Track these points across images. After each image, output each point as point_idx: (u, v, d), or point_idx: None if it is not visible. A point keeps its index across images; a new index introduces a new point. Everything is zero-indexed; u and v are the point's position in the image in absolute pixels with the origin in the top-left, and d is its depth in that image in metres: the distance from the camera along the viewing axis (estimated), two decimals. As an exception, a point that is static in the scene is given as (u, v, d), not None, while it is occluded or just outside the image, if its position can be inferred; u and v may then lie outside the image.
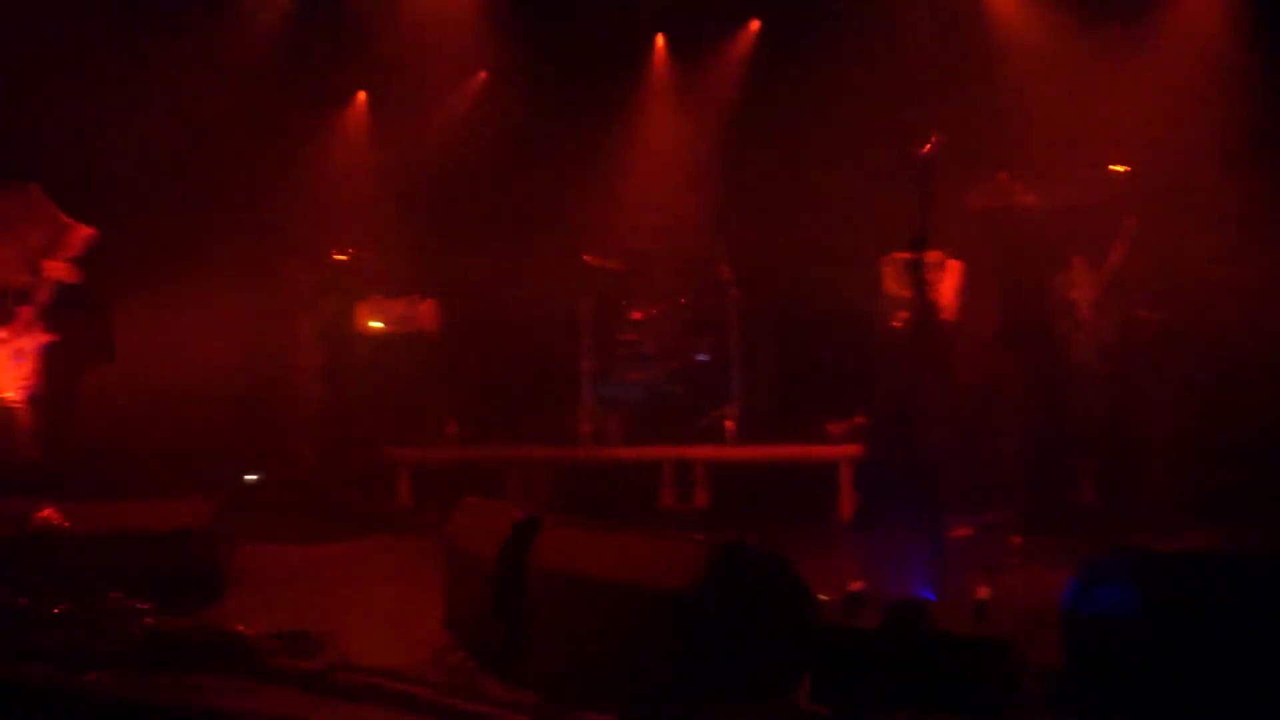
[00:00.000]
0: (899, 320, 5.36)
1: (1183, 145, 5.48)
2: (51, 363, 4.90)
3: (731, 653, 2.85)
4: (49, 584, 4.04)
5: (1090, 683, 2.51)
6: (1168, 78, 5.83)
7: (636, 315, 6.69)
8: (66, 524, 4.37)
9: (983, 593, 3.00)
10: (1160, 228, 5.44)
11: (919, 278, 3.64)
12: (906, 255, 3.68)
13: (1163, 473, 5.26)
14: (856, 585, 3.10)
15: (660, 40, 7.51)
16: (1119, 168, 5.75)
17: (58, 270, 4.83)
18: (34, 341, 4.89)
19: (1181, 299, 5.41)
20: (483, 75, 7.56)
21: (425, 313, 7.07)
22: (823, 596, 3.10)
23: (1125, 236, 5.23)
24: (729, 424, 6.39)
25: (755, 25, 7.29)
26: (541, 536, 3.38)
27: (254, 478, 6.66)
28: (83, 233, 4.90)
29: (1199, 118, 5.53)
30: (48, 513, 4.39)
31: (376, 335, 7.00)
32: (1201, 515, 4.88)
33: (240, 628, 3.55)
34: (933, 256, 4.44)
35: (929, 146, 3.63)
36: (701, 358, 6.74)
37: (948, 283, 5.17)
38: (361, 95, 7.59)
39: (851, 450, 5.81)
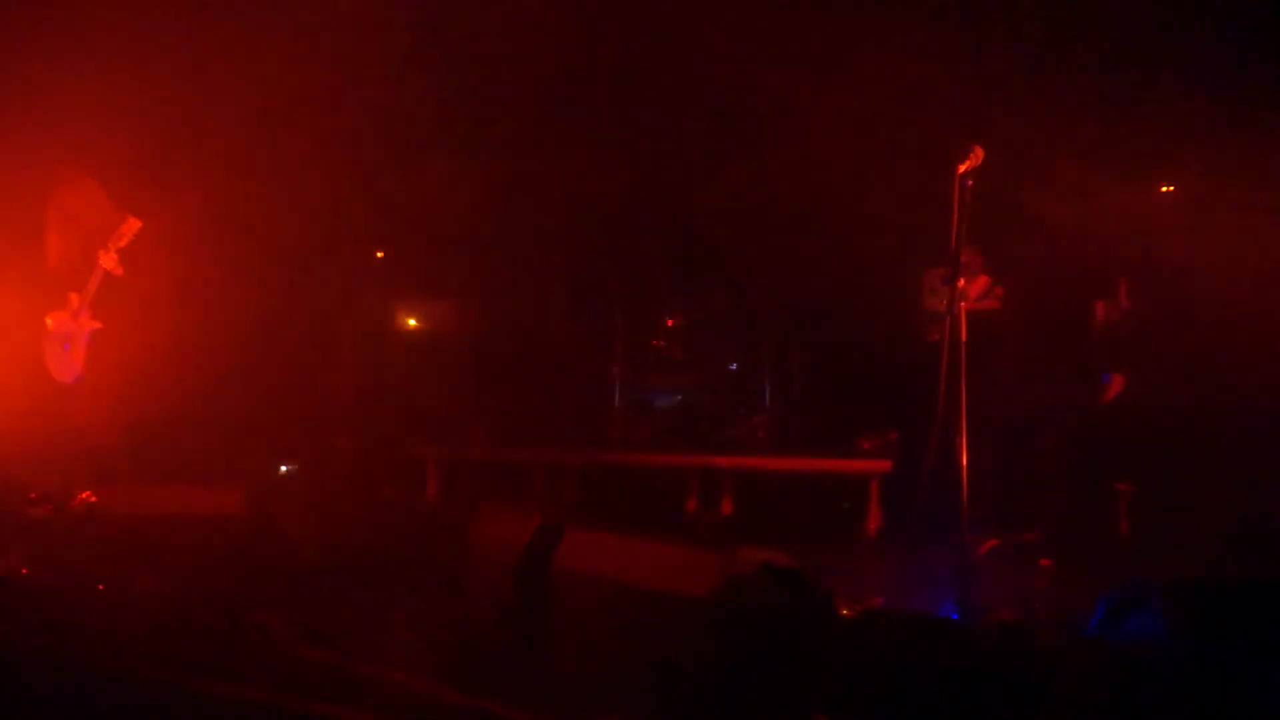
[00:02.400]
0: (934, 335, 5.28)
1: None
2: (98, 350, 5.01)
3: (751, 663, 2.84)
4: (85, 564, 4.14)
5: (1113, 708, 2.47)
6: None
7: (669, 323, 6.69)
8: (103, 506, 4.48)
9: (1007, 614, 2.96)
10: (1206, 254, 5.31)
11: (952, 293, 3.60)
12: (942, 270, 3.64)
13: (1201, 503, 5.15)
14: (878, 601, 3.08)
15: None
16: (1167, 187, 5.63)
17: (108, 261, 4.94)
18: (83, 329, 5.02)
19: (1222, 329, 5.28)
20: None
21: (461, 314, 7.14)
22: (845, 611, 3.08)
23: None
24: (759, 434, 6.37)
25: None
26: (566, 541, 3.40)
27: (289, 469, 6.76)
28: (131, 225, 5.01)
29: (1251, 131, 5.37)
30: (86, 494, 4.51)
31: (413, 334, 7.08)
32: (1240, 547, 4.77)
33: (263, 616, 3.60)
34: (970, 270, 4.39)
35: (968, 161, 3.60)
36: (732, 367, 6.72)
37: (972, 294, 5.10)
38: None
39: (882, 465, 5.76)
